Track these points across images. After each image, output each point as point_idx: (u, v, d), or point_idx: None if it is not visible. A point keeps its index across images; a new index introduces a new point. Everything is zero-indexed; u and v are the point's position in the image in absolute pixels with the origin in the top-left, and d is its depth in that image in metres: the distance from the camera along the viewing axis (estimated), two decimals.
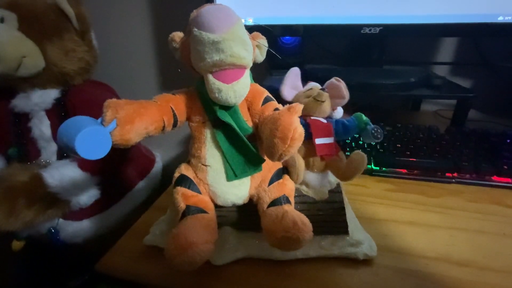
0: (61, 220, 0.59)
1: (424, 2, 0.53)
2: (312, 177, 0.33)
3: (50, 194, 0.53)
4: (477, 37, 0.64)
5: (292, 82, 0.36)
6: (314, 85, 0.36)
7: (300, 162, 0.31)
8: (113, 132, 0.23)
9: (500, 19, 0.51)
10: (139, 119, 0.24)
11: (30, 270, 0.67)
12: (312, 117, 0.33)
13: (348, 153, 0.47)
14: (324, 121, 0.34)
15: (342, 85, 0.34)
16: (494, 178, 0.44)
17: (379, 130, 0.33)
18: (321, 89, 0.34)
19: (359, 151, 0.31)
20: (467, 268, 0.30)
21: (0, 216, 0.50)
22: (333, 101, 0.35)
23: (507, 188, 0.43)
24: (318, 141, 0.32)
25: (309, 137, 0.32)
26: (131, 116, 0.24)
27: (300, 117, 0.33)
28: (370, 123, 0.34)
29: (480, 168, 0.44)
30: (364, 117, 0.34)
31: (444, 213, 0.38)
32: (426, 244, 0.33)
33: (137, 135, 0.24)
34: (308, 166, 0.33)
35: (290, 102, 0.27)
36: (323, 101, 0.33)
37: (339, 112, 0.36)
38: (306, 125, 0.32)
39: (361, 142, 0.50)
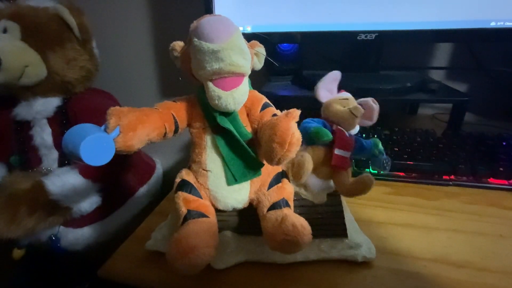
0: (61, 227, 0.59)
1: (418, 9, 0.54)
2: (314, 181, 0.34)
3: (51, 201, 0.54)
4: (470, 42, 0.65)
5: (328, 85, 0.36)
6: (349, 96, 0.36)
7: (309, 165, 0.31)
8: (116, 139, 0.23)
9: (493, 24, 0.52)
10: (141, 126, 0.25)
11: (31, 278, 0.67)
12: (339, 127, 0.33)
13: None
14: (347, 134, 0.34)
15: (376, 108, 0.34)
16: (491, 180, 0.44)
17: (389, 163, 0.35)
18: (359, 103, 0.34)
19: (369, 175, 0.30)
20: (465, 269, 0.31)
21: (2, 223, 0.51)
22: (360, 119, 0.35)
23: (503, 190, 0.43)
24: (337, 151, 0.32)
25: (329, 145, 0.32)
26: (134, 123, 0.24)
27: (328, 122, 0.34)
28: (384, 153, 0.35)
29: (476, 170, 0.45)
30: (380, 146, 0.35)
31: (442, 215, 0.39)
32: (424, 246, 0.34)
33: (139, 142, 0.25)
34: (314, 171, 0.33)
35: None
36: (357, 116, 0.33)
37: (355, 129, 0.37)
38: (332, 132, 0.32)
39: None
